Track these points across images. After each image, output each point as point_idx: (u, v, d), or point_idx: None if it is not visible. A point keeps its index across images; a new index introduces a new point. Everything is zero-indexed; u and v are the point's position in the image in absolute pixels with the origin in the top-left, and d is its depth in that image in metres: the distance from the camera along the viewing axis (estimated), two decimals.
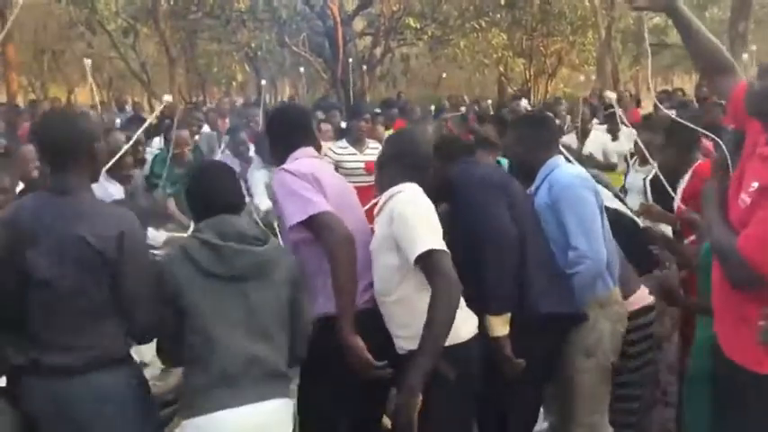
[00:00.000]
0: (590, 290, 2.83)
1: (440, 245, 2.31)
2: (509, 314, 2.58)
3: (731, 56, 2.36)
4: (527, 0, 15.33)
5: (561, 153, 3.15)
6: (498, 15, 15.51)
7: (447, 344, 2.29)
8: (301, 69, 12.86)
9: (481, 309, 2.53)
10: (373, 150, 5.10)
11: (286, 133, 2.81)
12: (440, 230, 2.40)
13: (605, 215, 2.93)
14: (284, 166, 2.62)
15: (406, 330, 2.39)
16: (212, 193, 2.35)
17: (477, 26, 15.24)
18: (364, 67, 12.32)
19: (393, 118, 7.70)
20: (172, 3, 14.89)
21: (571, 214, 2.78)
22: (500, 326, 2.58)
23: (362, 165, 5.19)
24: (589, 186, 2.87)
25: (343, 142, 5.43)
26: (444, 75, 10.39)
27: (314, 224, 2.43)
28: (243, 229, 2.29)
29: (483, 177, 2.79)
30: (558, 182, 2.85)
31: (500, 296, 2.58)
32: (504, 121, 4.10)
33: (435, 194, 2.62)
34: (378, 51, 16.23)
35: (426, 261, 2.29)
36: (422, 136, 2.94)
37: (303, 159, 2.66)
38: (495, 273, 2.56)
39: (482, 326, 2.54)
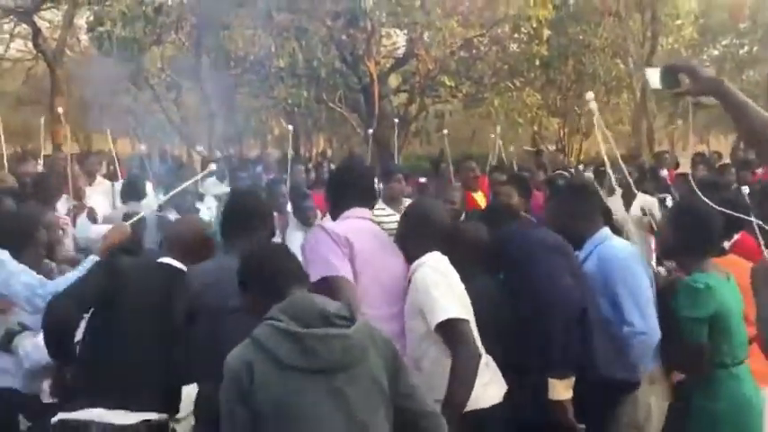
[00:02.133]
0: (642, 365, 2.80)
1: (460, 313, 2.34)
2: (572, 378, 2.56)
3: None
4: (561, 60, 15.47)
5: (607, 223, 3.14)
6: (532, 75, 15.66)
7: (467, 409, 2.30)
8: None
9: (543, 372, 2.53)
10: None
11: (347, 191, 2.78)
12: (464, 299, 2.43)
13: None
14: (322, 223, 2.69)
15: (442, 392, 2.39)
16: (278, 265, 2.09)
17: (511, 85, 15.40)
18: (396, 120, 12.54)
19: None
20: (213, 59, 15.35)
21: (624, 289, 2.77)
22: (563, 389, 2.57)
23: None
24: (640, 260, 2.86)
25: (380, 203, 5.45)
26: (498, 131, 10.53)
27: (329, 286, 2.44)
28: (324, 306, 1.95)
29: (542, 241, 2.80)
30: (609, 256, 2.84)
31: (564, 360, 2.57)
32: (523, 181, 4.12)
33: (487, 261, 2.65)
34: (413, 108, 16.44)
35: (446, 329, 2.33)
36: (436, 206, 3.00)
37: (349, 220, 2.69)
38: (559, 336, 2.55)
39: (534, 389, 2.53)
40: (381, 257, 2.67)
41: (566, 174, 7.60)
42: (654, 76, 2.28)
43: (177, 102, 17.25)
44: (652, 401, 2.84)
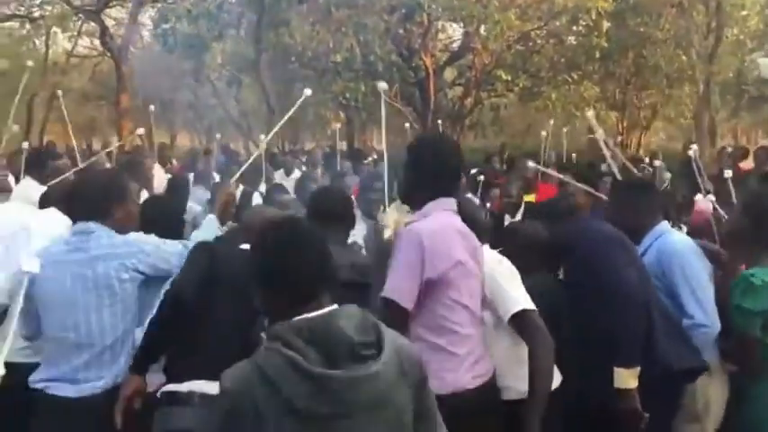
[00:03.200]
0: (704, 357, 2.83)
1: (531, 304, 2.41)
2: (638, 368, 2.61)
3: None
4: (621, 53, 15.22)
5: (666, 218, 3.16)
6: (591, 68, 15.45)
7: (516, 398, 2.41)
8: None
9: (609, 361, 2.59)
10: None
11: (434, 175, 2.39)
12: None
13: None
14: (416, 224, 2.35)
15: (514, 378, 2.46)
16: (294, 267, 1.70)
17: (568, 78, 15.23)
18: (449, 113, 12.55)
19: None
20: (271, 55, 15.63)
21: (684, 282, 2.81)
22: (630, 378, 2.62)
23: None
24: (699, 254, 2.88)
25: None
26: (550, 128, 10.42)
27: (386, 306, 2.28)
28: (352, 334, 1.61)
29: (605, 235, 2.85)
30: (668, 250, 2.88)
31: (630, 349, 2.62)
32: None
33: (544, 258, 2.71)
34: (468, 102, 16.44)
35: (521, 320, 2.39)
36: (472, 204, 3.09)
37: (438, 216, 2.36)
38: (626, 326, 2.61)
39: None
40: (472, 265, 2.44)
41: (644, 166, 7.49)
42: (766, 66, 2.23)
43: (237, 97, 17.65)
44: (710, 393, 2.87)
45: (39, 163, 4.50)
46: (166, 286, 2.78)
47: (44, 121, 21.41)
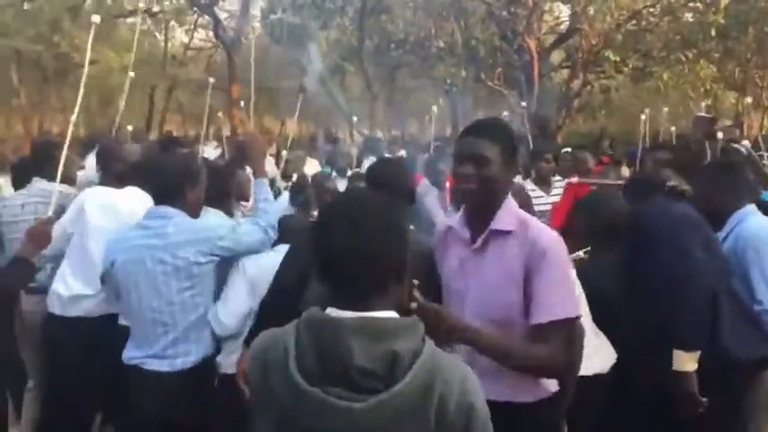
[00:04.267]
0: None
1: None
2: (698, 352, 2.57)
3: None
4: (741, 29, 14.33)
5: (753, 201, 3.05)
6: (707, 46, 14.64)
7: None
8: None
9: (669, 343, 2.55)
10: (559, 190, 5.13)
11: None
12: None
13: None
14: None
15: None
16: (334, 252, 1.46)
17: (683, 57, 14.50)
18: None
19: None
20: (374, 42, 15.85)
21: (755, 267, 2.74)
22: (688, 361, 2.58)
23: (550, 207, 5.24)
24: None
25: (530, 184, 5.47)
26: (648, 110, 9.99)
27: (559, 327, 2.07)
28: (355, 353, 1.36)
29: (681, 216, 2.81)
30: (745, 234, 2.82)
31: (691, 332, 2.58)
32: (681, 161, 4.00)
33: (623, 231, 2.69)
34: (576, 84, 16.00)
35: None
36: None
37: None
38: (689, 309, 2.56)
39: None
40: None
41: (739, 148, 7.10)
42: None
43: (342, 84, 18.02)
44: None
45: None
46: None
47: (164, 112, 22.63)
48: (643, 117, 8.63)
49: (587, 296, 2.64)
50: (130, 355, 2.96)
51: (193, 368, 2.90)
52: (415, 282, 1.92)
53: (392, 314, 1.46)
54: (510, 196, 2.22)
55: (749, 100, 14.79)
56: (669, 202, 2.95)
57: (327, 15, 14.51)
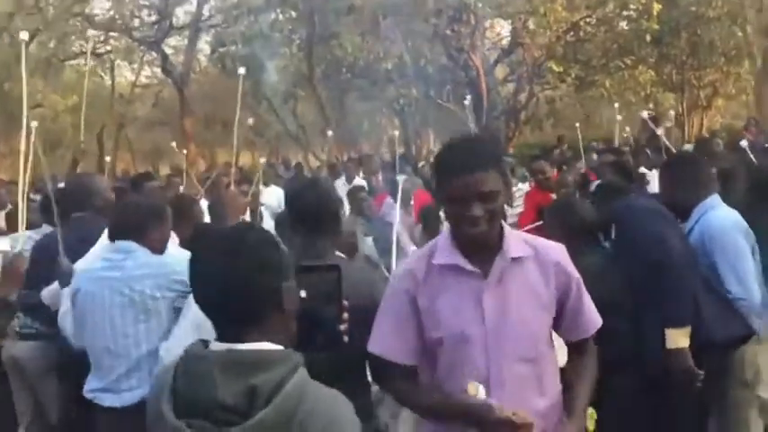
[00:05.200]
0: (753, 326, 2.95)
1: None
2: (688, 327, 2.75)
3: None
4: (674, 34, 14.99)
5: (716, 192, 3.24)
6: (644, 52, 15.26)
7: None
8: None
9: (661, 324, 2.74)
10: (520, 200, 5.37)
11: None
12: None
13: (758, 254, 3.02)
14: None
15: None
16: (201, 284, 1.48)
17: (621, 64, 15.09)
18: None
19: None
20: (324, 68, 16.05)
21: (723, 259, 2.93)
22: (681, 338, 2.77)
23: (516, 218, 5.45)
24: (740, 229, 2.98)
25: None
26: (588, 116, 10.53)
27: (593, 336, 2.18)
28: (219, 388, 1.37)
29: (650, 209, 3.01)
30: (710, 225, 3.00)
31: (678, 310, 2.77)
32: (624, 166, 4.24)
33: (597, 229, 2.89)
34: (522, 97, 16.46)
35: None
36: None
37: None
38: (674, 289, 2.76)
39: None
40: None
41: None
42: None
43: (294, 112, 18.13)
44: (760, 360, 2.96)
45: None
46: None
47: (114, 151, 22.38)
48: (619, 117, 8.93)
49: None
50: (87, 388, 3.00)
51: (140, 403, 2.79)
52: (346, 302, 1.85)
53: (266, 345, 1.43)
54: None
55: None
56: (637, 199, 3.17)
57: (276, 45, 14.66)
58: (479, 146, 1.98)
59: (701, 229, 3.05)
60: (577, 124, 9.00)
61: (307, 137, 17.99)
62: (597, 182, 4.20)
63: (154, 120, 23.43)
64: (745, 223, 3.06)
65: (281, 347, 1.45)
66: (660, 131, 6.67)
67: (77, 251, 3.35)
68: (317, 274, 1.83)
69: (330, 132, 11.51)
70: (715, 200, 3.14)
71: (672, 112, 14.73)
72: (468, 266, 1.98)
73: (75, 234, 3.54)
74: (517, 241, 2.03)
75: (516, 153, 14.58)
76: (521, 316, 1.97)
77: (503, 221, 2.03)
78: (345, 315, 1.86)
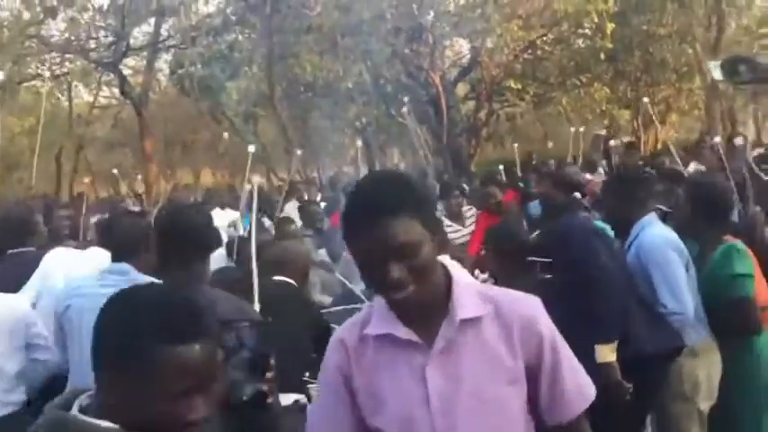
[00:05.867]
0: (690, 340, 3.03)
1: None
2: (616, 342, 2.83)
3: None
4: (627, 52, 15.35)
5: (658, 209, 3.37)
6: (599, 69, 15.60)
7: None
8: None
9: (590, 337, 2.80)
10: (472, 219, 5.46)
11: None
12: None
13: (692, 269, 3.13)
14: None
15: None
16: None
17: (578, 82, 15.39)
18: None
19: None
20: (285, 87, 16.06)
21: (657, 273, 3.04)
22: (609, 352, 2.84)
23: (468, 238, 5.54)
24: (672, 245, 3.09)
25: (446, 220, 5.77)
26: (547, 132, 10.85)
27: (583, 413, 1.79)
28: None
29: (585, 228, 3.13)
30: (646, 242, 3.13)
31: (607, 326, 2.85)
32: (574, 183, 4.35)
33: (534, 253, 2.97)
34: (482, 114, 16.66)
35: None
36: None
37: None
38: (604, 305, 2.83)
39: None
40: None
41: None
42: (716, 69, 2.44)
43: (255, 131, 18.09)
44: (699, 374, 3.04)
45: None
46: None
47: (72, 173, 22.08)
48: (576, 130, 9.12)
49: None
50: None
51: None
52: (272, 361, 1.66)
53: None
54: (451, 264, 1.74)
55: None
56: (571, 219, 3.26)
57: (236, 65, 14.63)
58: (390, 188, 1.54)
59: (637, 246, 3.16)
60: (515, 145, 9.21)
61: (269, 156, 17.95)
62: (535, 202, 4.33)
63: (113, 141, 23.18)
64: (678, 240, 3.17)
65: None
66: (613, 142, 6.82)
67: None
68: (236, 329, 1.63)
69: (299, 151, 11.54)
70: (652, 217, 3.25)
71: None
72: (406, 335, 1.58)
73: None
74: (471, 297, 1.60)
75: (476, 170, 14.75)
76: (477, 393, 1.56)
77: (453, 270, 1.63)
78: (269, 374, 1.64)
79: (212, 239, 2.37)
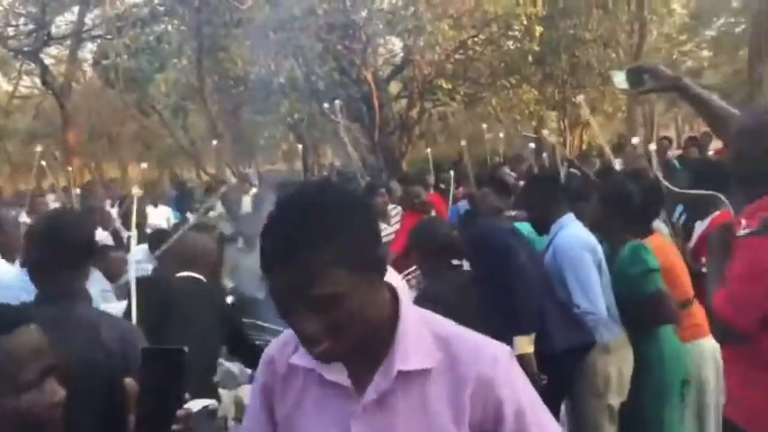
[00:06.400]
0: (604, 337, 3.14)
1: None
2: (533, 335, 2.92)
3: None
4: (555, 55, 15.73)
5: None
6: (528, 71, 15.93)
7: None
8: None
9: (509, 331, 2.88)
10: (398, 218, 5.51)
11: None
12: None
13: (604, 268, 3.23)
14: None
15: None
16: None
17: (507, 83, 15.67)
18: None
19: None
20: (216, 80, 15.79)
21: (571, 274, 3.15)
22: (526, 345, 2.92)
23: (393, 235, 5.57)
24: (586, 246, 3.19)
25: None
26: (485, 126, 11.12)
27: None
28: None
29: (503, 227, 3.20)
30: (561, 244, 3.22)
31: (525, 318, 2.92)
32: (503, 182, 4.46)
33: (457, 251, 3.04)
34: (414, 113, 16.78)
35: None
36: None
37: None
38: (522, 300, 2.91)
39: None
40: None
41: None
42: (620, 77, 2.46)
43: (184, 125, 17.72)
44: (611, 370, 3.16)
45: None
46: None
47: None
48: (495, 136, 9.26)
49: (444, 313, 2.92)
50: None
51: None
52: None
53: None
54: (403, 296, 1.35)
55: None
56: (490, 220, 3.34)
57: (164, 57, 14.30)
58: (313, 219, 1.20)
59: (554, 246, 3.24)
60: (463, 142, 9.30)
61: (197, 150, 17.61)
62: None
63: (35, 132, 22.33)
64: (592, 240, 3.27)
65: None
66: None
67: None
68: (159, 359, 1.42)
69: (215, 141, 11.36)
70: (569, 218, 3.34)
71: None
72: (335, 377, 1.32)
73: None
74: (418, 344, 1.30)
75: (408, 168, 14.85)
76: None
77: (404, 305, 1.33)
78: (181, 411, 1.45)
79: (87, 251, 2.07)
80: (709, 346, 3.15)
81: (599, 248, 3.30)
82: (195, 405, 2.45)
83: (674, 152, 11.30)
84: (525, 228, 4.09)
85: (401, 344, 1.29)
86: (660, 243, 3.43)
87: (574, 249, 3.20)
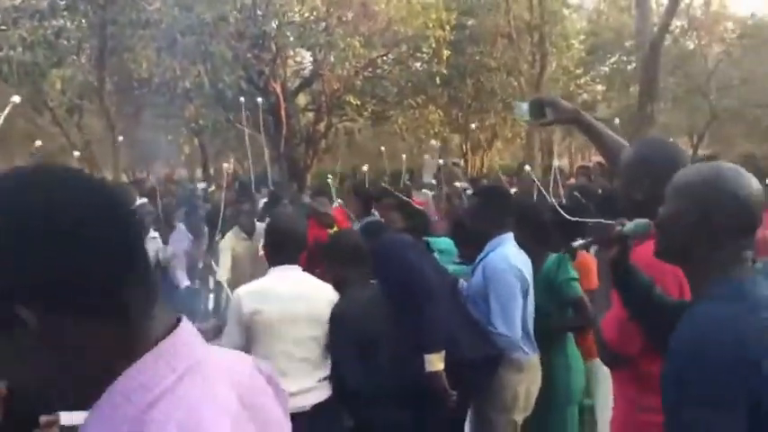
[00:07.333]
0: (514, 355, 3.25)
1: None
2: (443, 352, 2.96)
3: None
4: (461, 79, 16.21)
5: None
6: (435, 93, 16.32)
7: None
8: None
9: (420, 348, 2.92)
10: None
11: None
12: None
13: (531, 292, 3.34)
14: None
15: None
16: None
17: (414, 103, 16.00)
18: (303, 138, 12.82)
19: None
20: (117, 81, 15.25)
21: (494, 296, 3.23)
22: (437, 361, 2.96)
23: None
24: (514, 271, 3.26)
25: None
26: (383, 148, 11.21)
27: None
28: None
29: (407, 243, 3.23)
30: (489, 264, 3.27)
31: (433, 337, 2.96)
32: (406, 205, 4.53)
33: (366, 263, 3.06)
34: (321, 126, 16.80)
35: None
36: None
37: None
38: (431, 318, 2.95)
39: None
40: None
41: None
42: (522, 108, 2.55)
43: (79, 124, 16.97)
44: (520, 389, 3.28)
45: None
46: None
47: None
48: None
49: (353, 328, 2.93)
50: None
51: None
52: None
53: None
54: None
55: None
56: (395, 234, 3.40)
57: (62, 53, 13.65)
58: None
59: (484, 264, 3.30)
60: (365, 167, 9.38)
61: (92, 152, 16.89)
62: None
63: None
64: (521, 264, 3.32)
65: None
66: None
67: None
68: None
69: (117, 139, 10.89)
70: (505, 237, 3.37)
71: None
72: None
73: None
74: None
75: (313, 180, 14.85)
76: None
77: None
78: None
79: None
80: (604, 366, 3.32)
81: (527, 272, 3.33)
82: (75, 417, 2.31)
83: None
84: (445, 243, 4.20)
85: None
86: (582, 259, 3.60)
87: (501, 272, 3.24)
